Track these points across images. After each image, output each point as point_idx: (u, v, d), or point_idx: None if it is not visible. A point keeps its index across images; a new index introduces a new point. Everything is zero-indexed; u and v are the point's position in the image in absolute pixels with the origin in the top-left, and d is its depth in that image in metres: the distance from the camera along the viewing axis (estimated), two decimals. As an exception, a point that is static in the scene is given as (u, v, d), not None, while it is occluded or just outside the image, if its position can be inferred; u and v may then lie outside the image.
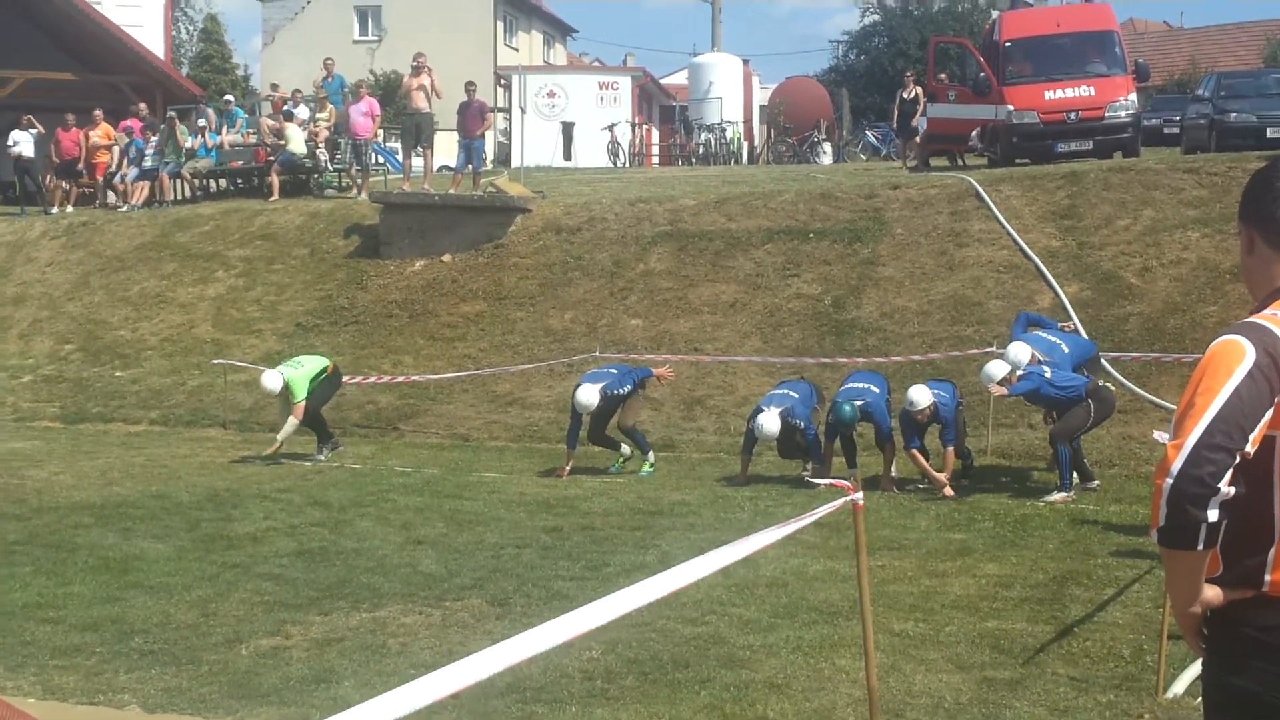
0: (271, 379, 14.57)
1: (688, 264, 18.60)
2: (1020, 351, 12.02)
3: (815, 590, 8.53)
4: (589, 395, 13.34)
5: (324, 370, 14.97)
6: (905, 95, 27.67)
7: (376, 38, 50.62)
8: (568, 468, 13.51)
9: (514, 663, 3.75)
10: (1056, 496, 11.56)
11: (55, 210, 26.11)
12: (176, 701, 6.55)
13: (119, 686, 6.78)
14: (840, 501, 5.38)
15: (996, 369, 12.01)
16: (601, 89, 36.62)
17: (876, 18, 57.43)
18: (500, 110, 39.16)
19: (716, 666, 7.00)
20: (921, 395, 12.29)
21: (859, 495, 5.39)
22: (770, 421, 12.57)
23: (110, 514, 11.58)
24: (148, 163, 26.01)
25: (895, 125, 29.52)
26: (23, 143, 26.88)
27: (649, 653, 7.19)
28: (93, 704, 6.46)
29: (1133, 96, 21.98)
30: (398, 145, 29.52)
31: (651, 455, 13.84)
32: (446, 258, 20.33)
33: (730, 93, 37.26)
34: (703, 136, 35.54)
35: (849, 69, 55.36)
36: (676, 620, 7.73)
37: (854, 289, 17.40)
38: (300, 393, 14.43)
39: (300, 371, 14.72)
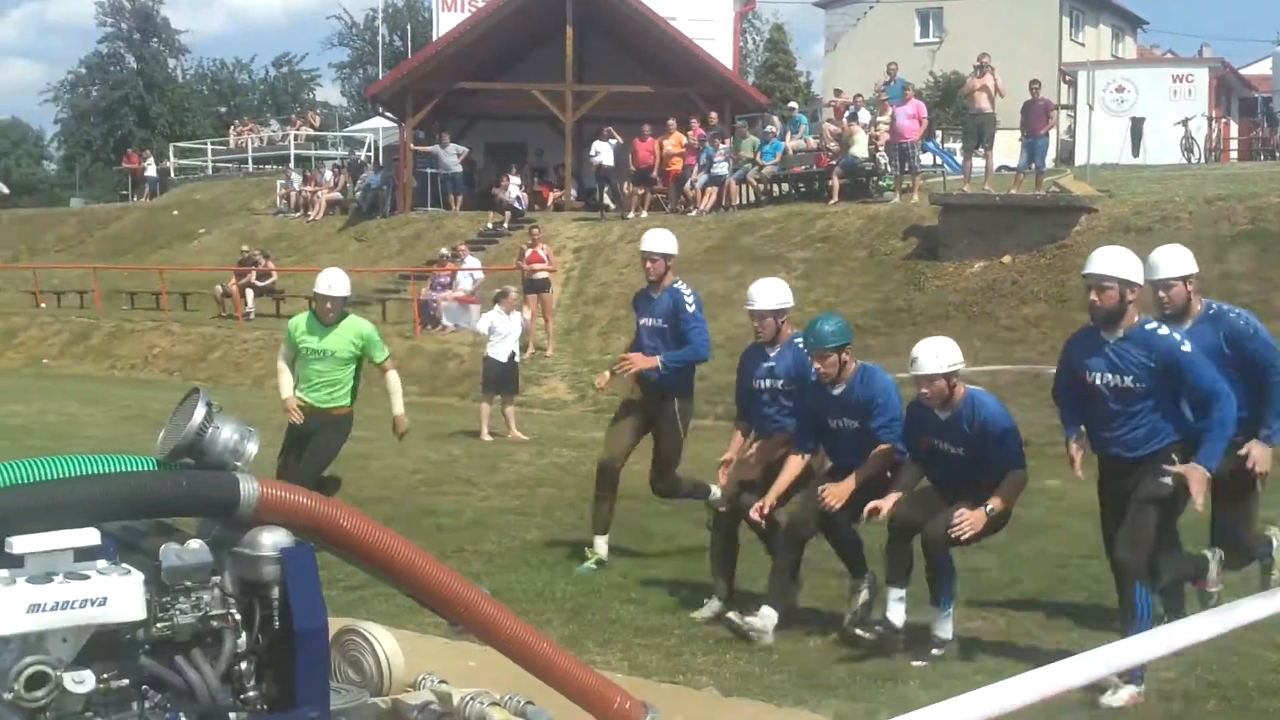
0: (339, 280, 10.05)
1: (1270, 266, 17.38)
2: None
3: None
4: None
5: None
6: None
7: (937, 39, 50.46)
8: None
9: (1092, 677, 3.66)
10: None
11: (631, 215, 27.82)
12: (750, 687, 6.78)
13: (696, 668, 7.12)
14: None
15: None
16: (1175, 82, 34.85)
17: None
18: (1065, 108, 38.04)
19: (1312, 700, 6.49)
20: (931, 354, 7.35)
21: None
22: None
23: (682, 504, 12.18)
24: (717, 169, 27.20)
25: None
26: (603, 153, 28.88)
27: (1232, 678, 6.75)
28: (674, 683, 6.78)
29: None
30: (956, 146, 29.33)
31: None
32: (1006, 259, 20.00)
33: (1322, 80, 34.49)
34: (1288, 129, 33.10)
35: None
36: (1263, 645, 7.20)
37: None
38: (381, 353, 10.24)
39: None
